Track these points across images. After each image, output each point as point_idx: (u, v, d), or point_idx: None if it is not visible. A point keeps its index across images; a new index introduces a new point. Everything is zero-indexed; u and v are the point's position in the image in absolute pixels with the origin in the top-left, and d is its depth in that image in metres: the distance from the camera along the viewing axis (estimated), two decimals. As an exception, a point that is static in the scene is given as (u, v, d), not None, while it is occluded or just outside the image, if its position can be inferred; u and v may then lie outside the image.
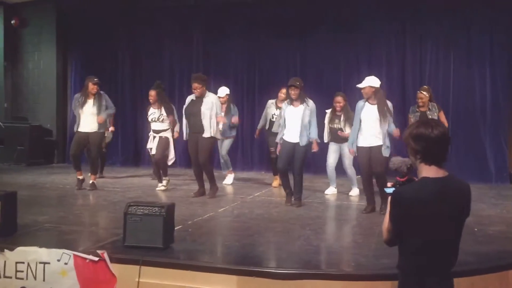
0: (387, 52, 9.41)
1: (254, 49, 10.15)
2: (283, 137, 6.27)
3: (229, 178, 8.24)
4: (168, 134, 7.33)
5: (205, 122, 6.58)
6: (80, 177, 7.28)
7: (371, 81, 5.79)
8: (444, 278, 2.37)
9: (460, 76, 8.99)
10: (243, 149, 10.22)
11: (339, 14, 9.46)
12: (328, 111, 7.33)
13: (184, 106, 6.84)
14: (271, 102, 8.03)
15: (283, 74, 9.63)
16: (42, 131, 10.79)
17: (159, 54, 10.70)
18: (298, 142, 6.12)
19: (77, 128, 7.27)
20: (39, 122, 10.82)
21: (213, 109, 6.60)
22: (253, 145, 10.13)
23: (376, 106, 5.77)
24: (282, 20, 9.79)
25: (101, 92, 7.37)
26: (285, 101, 6.52)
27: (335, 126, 7.14)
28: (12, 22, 10.94)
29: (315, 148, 6.26)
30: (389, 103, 5.93)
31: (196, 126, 6.63)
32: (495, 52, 8.80)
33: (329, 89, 8.63)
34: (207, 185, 6.86)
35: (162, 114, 7.26)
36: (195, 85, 6.63)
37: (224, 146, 8.14)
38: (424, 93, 7.25)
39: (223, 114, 7.04)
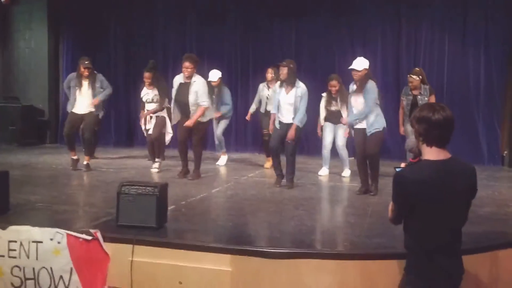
0: (382, 34, 9.37)
1: (248, 31, 10.05)
2: (277, 118, 6.27)
3: (223, 159, 8.25)
4: (164, 114, 7.29)
5: (193, 111, 6.49)
6: (74, 157, 7.23)
7: (366, 63, 5.77)
8: (452, 256, 2.43)
9: (455, 58, 8.99)
10: (237, 130, 10.20)
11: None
12: (324, 94, 7.32)
13: (173, 90, 6.68)
14: (262, 85, 8.02)
15: (278, 56, 9.54)
16: (34, 111, 10.70)
17: (153, 34, 10.58)
18: (292, 123, 6.12)
19: (71, 109, 7.20)
20: (31, 102, 10.71)
21: (198, 98, 6.46)
22: (247, 127, 10.10)
23: (362, 94, 5.76)
24: (277, 2, 9.69)
25: (96, 72, 7.27)
26: (277, 83, 6.50)
27: (333, 109, 7.16)
28: (1, 0, 10.75)
29: (291, 135, 6.08)
30: (373, 83, 5.80)
31: (186, 111, 6.55)
32: (490, 33, 8.78)
33: (324, 72, 8.57)
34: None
35: (156, 95, 7.21)
36: (186, 64, 6.47)
37: (220, 126, 8.12)
38: (414, 76, 6.99)
39: (206, 102, 6.60)
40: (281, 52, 9.69)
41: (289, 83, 6.17)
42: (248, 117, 8.45)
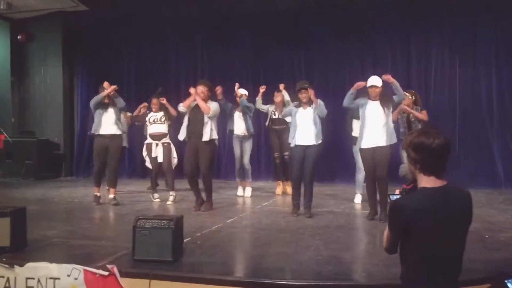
0: (392, 57, 9.44)
1: (259, 54, 10.19)
2: (295, 141, 6.15)
3: (248, 190, 7.87)
4: (168, 140, 7.38)
5: (206, 129, 6.49)
6: (98, 194, 7.16)
7: (380, 80, 5.87)
8: (452, 285, 2.35)
9: (466, 79, 8.99)
10: (250, 157, 10.20)
11: (344, 20, 9.49)
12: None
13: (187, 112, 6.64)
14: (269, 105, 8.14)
15: (289, 80, 9.65)
16: (50, 145, 10.87)
17: (165, 67, 10.78)
18: (311, 145, 6.04)
19: (97, 131, 7.09)
20: (47, 136, 10.90)
21: (213, 118, 6.56)
22: (260, 153, 10.12)
23: (378, 101, 5.86)
24: (287, 27, 9.84)
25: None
26: (292, 104, 6.46)
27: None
28: (18, 37, 11.07)
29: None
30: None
31: (197, 132, 6.50)
32: (500, 54, 8.80)
33: (335, 94, 8.60)
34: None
35: (162, 116, 7.33)
36: (201, 88, 6.55)
37: (246, 151, 7.71)
38: (408, 94, 7.02)
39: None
40: (292, 74, 9.79)
41: (307, 103, 6.14)
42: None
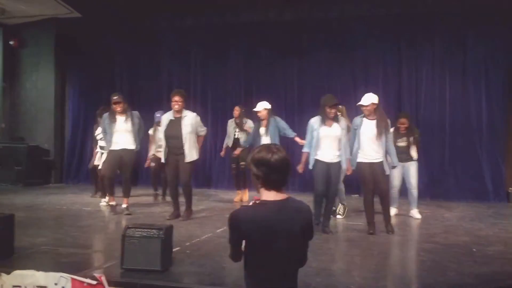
0: (383, 72, 9.52)
1: (251, 66, 10.24)
2: (317, 158, 5.89)
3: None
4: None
5: (186, 147, 6.40)
6: (113, 203, 7.05)
7: (373, 98, 5.89)
8: None
9: (456, 94, 9.10)
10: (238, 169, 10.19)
11: (336, 35, 9.59)
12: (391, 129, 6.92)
13: (162, 128, 6.60)
14: (231, 121, 8.38)
15: (281, 93, 9.72)
16: (40, 151, 10.80)
17: (157, 74, 10.78)
18: (337, 162, 5.87)
19: (109, 147, 6.98)
20: (37, 143, 10.83)
21: (193, 131, 6.48)
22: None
23: (375, 121, 5.85)
24: (280, 41, 9.90)
25: (130, 109, 7.17)
26: (314, 119, 6.01)
27: (400, 144, 6.83)
28: (11, 43, 11.03)
29: (349, 171, 6.00)
30: (388, 120, 6.00)
31: (176, 148, 6.44)
32: (490, 71, 8.92)
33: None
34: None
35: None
36: (176, 98, 6.40)
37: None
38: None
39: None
40: (284, 87, 9.87)
41: (334, 119, 5.94)
42: (223, 153, 8.75)
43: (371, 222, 5.88)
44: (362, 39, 9.48)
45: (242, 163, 8.06)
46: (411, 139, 6.89)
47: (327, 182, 5.84)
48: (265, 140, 7.17)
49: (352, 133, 6.05)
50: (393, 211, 6.93)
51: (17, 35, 11.10)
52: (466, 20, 8.94)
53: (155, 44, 10.67)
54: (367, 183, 5.86)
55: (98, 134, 7.85)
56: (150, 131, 8.38)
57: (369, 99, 5.90)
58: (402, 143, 6.88)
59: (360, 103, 5.96)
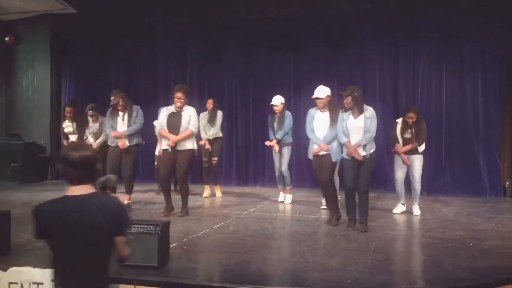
0: (380, 67, 9.51)
1: (248, 63, 10.22)
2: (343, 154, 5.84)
3: (289, 197, 7.82)
4: None
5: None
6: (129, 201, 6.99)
7: (328, 91, 6.01)
8: None
9: (453, 89, 9.10)
10: (238, 163, 10.22)
11: (334, 29, 9.55)
12: (399, 120, 6.92)
13: (162, 120, 6.54)
14: (203, 114, 8.26)
15: (277, 87, 9.69)
16: (36, 148, 10.76)
17: (154, 70, 10.75)
18: (365, 155, 5.69)
19: (110, 143, 7.00)
20: (33, 139, 10.79)
21: (190, 122, 6.47)
22: (248, 159, 10.15)
23: (328, 113, 6.00)
24: (277, 35, 9.87)
25: (132, 104, 7.11)
26: (341, 111, 5.94)
27: (407, 136, 6.76)
28: (6, 39, 10.97)
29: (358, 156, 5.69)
30: (339, 111, 6.02)
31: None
32: (486, 65, 8.92)
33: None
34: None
35: (76, 126, 7.81)
36: (179, 94, 6.38)
37: (285, 158, 7.58)
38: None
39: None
40: (280, 82, 9.85)
41: (356, 110, 5.75)
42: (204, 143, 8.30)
43: (331, 213, 6.09)
44: (359, 35, 9.46)
45: (215, 158, 8.26)
46: (413, 130, 6.74)
47: (356, 177, 5.75)
48: (279, 133, 7.53)
49: (307, 125, 6.16)
50: (400, 208, 6.88)
51: (12, 31, 11.04)
52: (463, 15, 8.92)
53: (151, 40, 10.63)
54: (317, 174, 6.10)
55: (65, 128, 8.20)
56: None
57: (325, 91, 5.99)
58: (407, 135, 6.79)
59: (315, 96, 6.00)
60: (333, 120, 5.95)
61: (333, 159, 5.97)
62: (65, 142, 8.40)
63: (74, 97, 10.48)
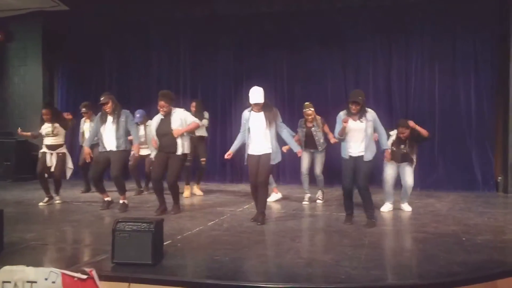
0: (373, 63, 9.52)
1: (241, 60, 10.20)
2: (348, 153, 5.87)
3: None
4: (64, 150, 7.54)
5: (179, 140, 6.45)
6: (108, 199, 7.05)
7: (262, 92, 5.92)
8: None
9: (445, 85, 9.14)
10: (233, 161, 10.19)
11: (326, 26, 9.56)
12: (393, 133, 6.82)
13: (154, 127, 6.61)
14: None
15: (271, 86, 9.67)
16: (28, 146, 10.67)
17: (146, 68, 10.70)
18: (362, 156, 5.76)
19: (101, 149, 6.90)
20: (25, 137, 10.69)
21: (183, 125, 6.49)
22: (242, 158, 10.09)
23: (262, 113, 5.94)
24: (270, 31, 9.86)
25: (121, 108, 7.01)
26: (342, 113, 5.95)
27: (403, 151, 6.73)
28: (-3, 36, 10.90)
29: (387, 158, 6.14)
30: (275, 109, 6.07)
31: (168, 146, 6.46)
32: (478, 61, 8.96)
33: (317, 99, 8.65)
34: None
35: (56, 127, 7.47)
36: (161, 103, 6.42)
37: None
38: (312, 109, 7.23)
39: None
40: (274, 79, 9.84)
41: (359, 113, 5.80)
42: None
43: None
44: (352, 31, 9.47)
45: (203, 159, 8.27)
46: (406, 146, 6.70)
47: (355, 177, 5.80)
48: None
49: (242, 127, 6.12)
50: (388, 207, 6.91)
51: (3, 29, 10.95)
52: (455, 12, 8.96)
53: (144, 37, 10.59)
54: (252, 175, 6.01)
55: (43, 130, 7.76)
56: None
57: (261, 94, 5.89)
58: (403, 150, 6.74)
59: (254, 101, 5.89)
60: (269, 120, 5.91)
61: (273, 162, 5.95)
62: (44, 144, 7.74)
63: (50, 99, 10.49)
